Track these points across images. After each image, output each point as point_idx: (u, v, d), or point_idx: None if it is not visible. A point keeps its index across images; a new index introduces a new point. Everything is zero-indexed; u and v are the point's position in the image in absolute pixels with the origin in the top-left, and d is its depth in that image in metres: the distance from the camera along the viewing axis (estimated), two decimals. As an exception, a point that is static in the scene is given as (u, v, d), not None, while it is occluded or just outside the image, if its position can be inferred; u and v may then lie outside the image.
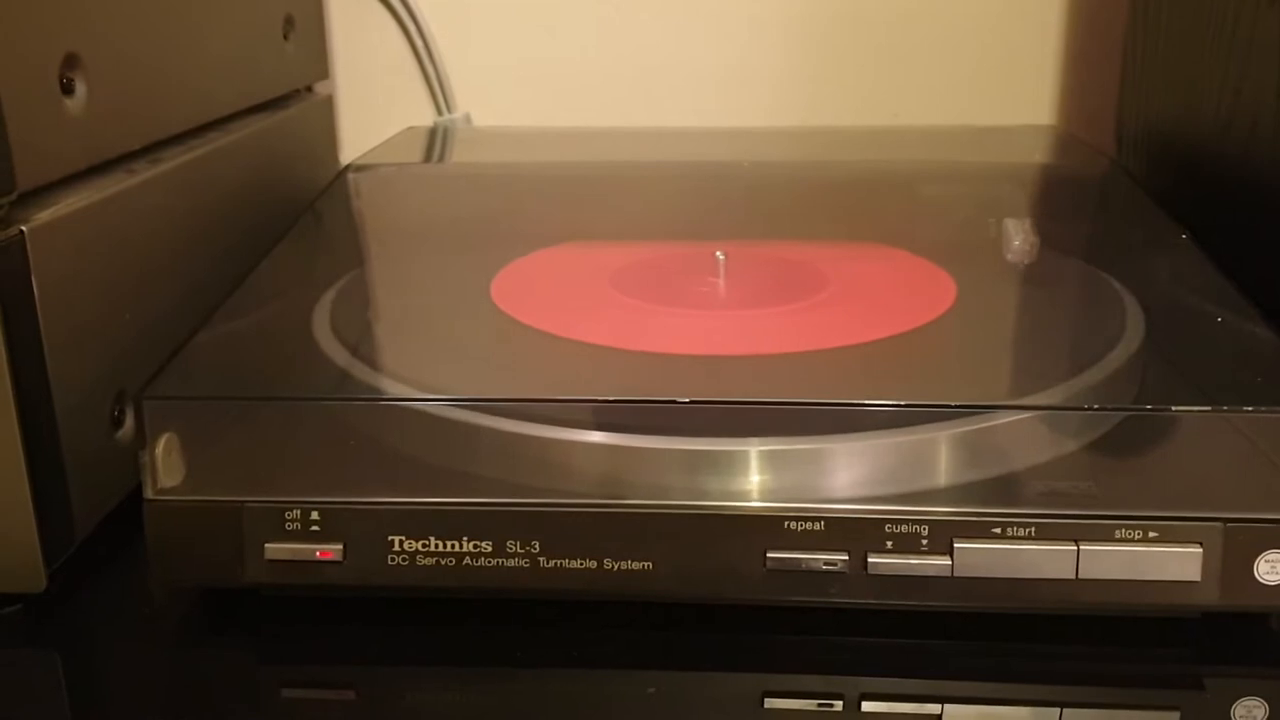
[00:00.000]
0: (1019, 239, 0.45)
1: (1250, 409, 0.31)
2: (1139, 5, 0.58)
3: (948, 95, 0.66)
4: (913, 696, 0.31)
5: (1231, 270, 0.40)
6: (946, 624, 0.33)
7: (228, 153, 0.47)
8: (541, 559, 0.31)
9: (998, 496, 0.31)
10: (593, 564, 0.31)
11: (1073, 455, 0.32)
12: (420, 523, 0.31)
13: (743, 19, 0.66)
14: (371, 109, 0.67)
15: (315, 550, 0.32)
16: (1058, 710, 0.30)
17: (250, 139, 0.50)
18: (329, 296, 0.41)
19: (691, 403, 0.32)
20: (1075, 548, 0.30)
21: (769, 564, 0.31)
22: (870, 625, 0.33)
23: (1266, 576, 0.30)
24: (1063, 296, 0.43)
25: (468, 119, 0.67)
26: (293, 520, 0.32)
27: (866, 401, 0.32)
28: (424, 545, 0.32)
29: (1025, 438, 0.32)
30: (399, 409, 0.34)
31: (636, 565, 0.31)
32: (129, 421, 0.38)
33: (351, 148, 0.64)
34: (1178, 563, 0.30)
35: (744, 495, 0.31)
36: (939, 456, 0.32)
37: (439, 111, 0.67)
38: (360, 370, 0.36)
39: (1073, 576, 0.31)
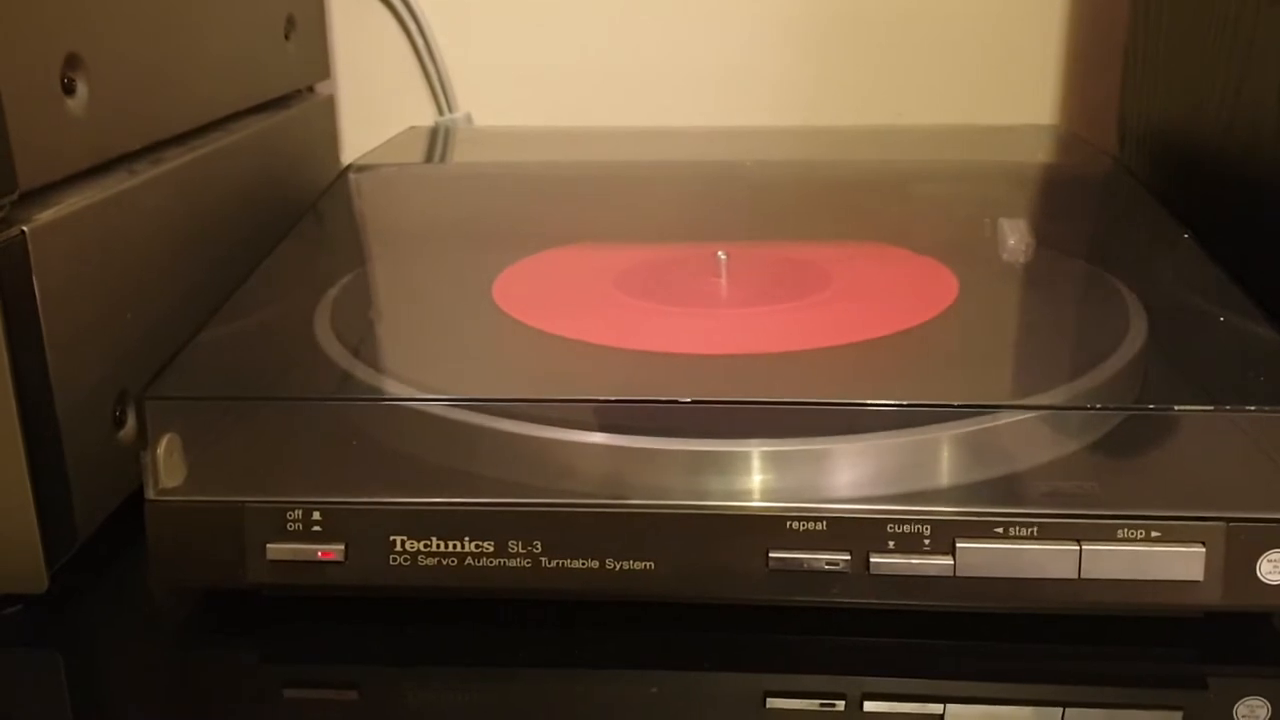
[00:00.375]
0: (1021, 239, 0.45)
1: (1253, 408, 0.31)
2: (1141, 5, 0.58)
3: (950, 95, 0.66)
4: (915, 696, 0.31)
5: (1234, 270, 0.40)
6: (949, 624, 0.33)
7: (229, 153, 0.47)
8: (543, 559, 0.31)
9: (1000, 496, 0.31)
10: (595, 564, 0.31)
11: (1075, 455, 0.32)
12: (422, 523, 0.31)
13: (745, 18, 0.66)
14: (373, 109, 0.67)
15: (317, 550, 0.32)
16: (1060, 710, 0.30)
17: (251, 139, 0.50)
18: (330, 296, 0.41)
19: (693, 403, 0.32)
20: (1078, 547, 0.30)
21: (771, 564, 0.31)
22: (872, 625, 0.33)
23: (1269, 576, 0.30)
24: (1065, 296, 0.43)
25: (469, 119, 0.67)
26: (294, 520, 0.32)
27: (869, 401, 0.32)
28: (426, 545, 0.31)
29: (1028, 437, 0.32)
30: (401, 409, 0.34)
31: (638, 565, 0.31)
32: (130, 422, 0.38)
33: (353, 148, 0.64)
34: (1180, 562, 0.30)
35: (746, 495, 0.31)
36: (941, 456, 0.32)
37: (440, 111, 0.67)
38: (362, 370, 0.36)
39: (1075, 576, 0.30)
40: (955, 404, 0.32)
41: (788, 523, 0.31)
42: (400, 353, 0.39)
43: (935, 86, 0.66)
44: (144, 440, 0.32)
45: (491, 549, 0.31)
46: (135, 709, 0.32)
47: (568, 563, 0.31)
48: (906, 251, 0.46)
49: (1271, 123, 0.44)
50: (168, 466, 0.32)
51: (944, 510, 0.31)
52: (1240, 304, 0.38)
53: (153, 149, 0.42)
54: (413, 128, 0.64)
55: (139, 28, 0.41)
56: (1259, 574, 0.30)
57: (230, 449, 0.33)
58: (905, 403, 0.32)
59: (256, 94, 0.52)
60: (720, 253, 0.43)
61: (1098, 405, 0.33)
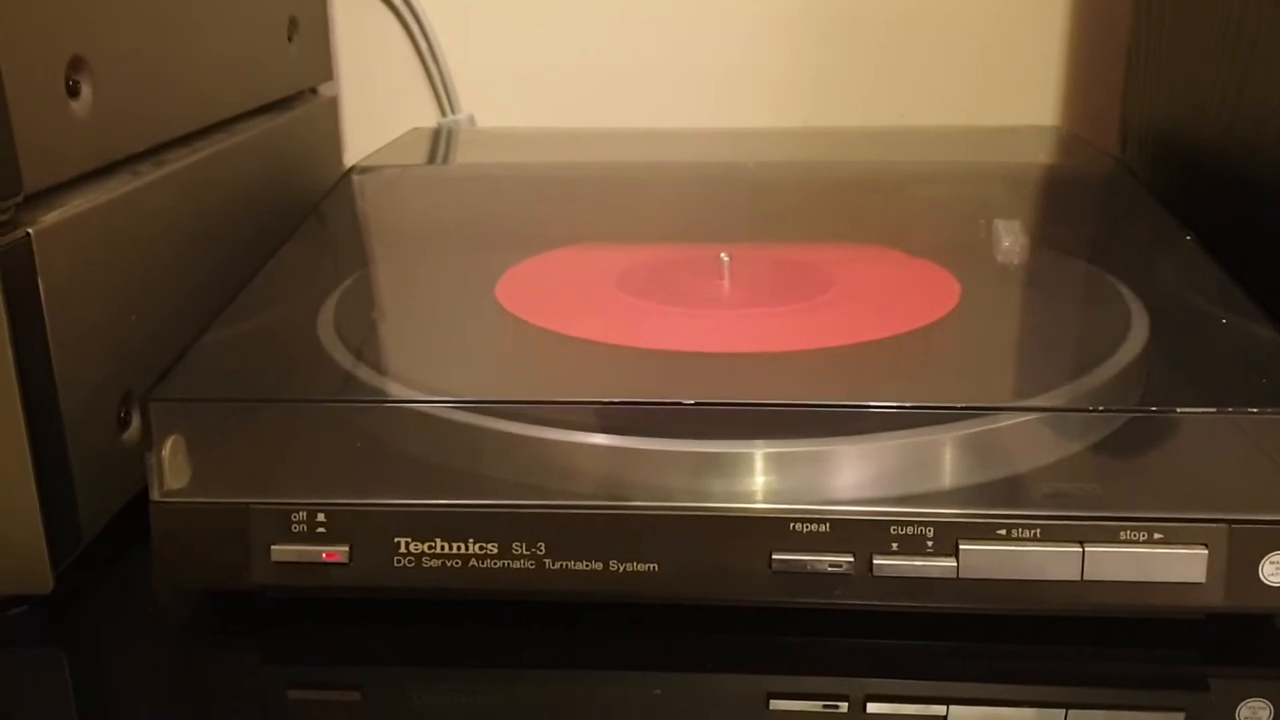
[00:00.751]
0: (1022, 240, 0.45)
1: (1255, 410, 0.31)
2: (1143, 6, 0.58)
3: (952, 96, 0.66)
4: (918, 698, 0.31)
5: (1235, 271, 0.40)
6: (952, 625, 0.33)
7: (232, 154, 0.48)
8: (547, 560, 0.31)
9: (1003, 498, 0.31)
10: (598, 565, 0.31)
11: (1077, 456, 0.32)
12: (426, 524, 0.31)
13: (745, 18, 0.66)
14: (376, 110, 0.67)
15: (321, 552, 0.32)
16: (1063, 711, 0.30)
17: (255, 141, 0.50)
18: (334, 298, 0.41)
19: (697, 404, 0.32)
20: (1080, 549, 0.30)
21: (774, 565, 0.31)
22: (875, 627, 0.33)
23: (1271, 578, 0.30)
24: (1067, 297, 0.43)
25: (472, 120, 0.67)
26: (299, 522, 0.32)
27: (872, 403, 0.32)
28: (430, 547, 0.32)
29: (1030, 439, 0.32)
30: (404, 411, 0.34)
31: (642, 567, 0.31)
32: (135, 423, 0.38)
33: (356, 149, 0.64)
34: (1183, 564, 0.30)
35: (749, 497, 0.31)
36: (944, 458, 0.32)
37: (443, 113, 0.67)
38: (365, 372, 0.36)
39: (1078, 578, 0.31)
40: (958, 405, 0.32)
41: (791, 524, 0.31)
42: (404, 354, 0.39)
43: (936, 87, 0.66)
44: (149, 441, 0.32)
45: (495, 550, 0.31)
46: (139, 709, 0.32)
47: (571, 564, 0.31)
48: (909, 253, 0.46)
49: (1274, 123, 0.44)
50: (172, 468, 0.32)
51: (947, 512, 0.31)
52: (1242, 305, 0.38)
53: (156, 151, 0.42)
54: (415, 129, 0.64)
55: (143, 30, 0.41)
56: (1261, 576, 0.30)
57: (235, 450, 0.33)
58: (908, 404, 0.32)
59: (259, 95, 0.52)
60: (723, 254, 0.43)
61: (1100, 407, 0.33)
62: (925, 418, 0.32)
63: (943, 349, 0.38)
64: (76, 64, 0.36)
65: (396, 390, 0.35)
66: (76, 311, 0.35)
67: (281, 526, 0.32)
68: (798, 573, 0.31)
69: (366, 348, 0.37)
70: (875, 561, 0.31)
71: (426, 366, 0.38)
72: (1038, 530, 0.30)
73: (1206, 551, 0.30)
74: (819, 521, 0.31)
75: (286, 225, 0.47)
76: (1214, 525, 0.30)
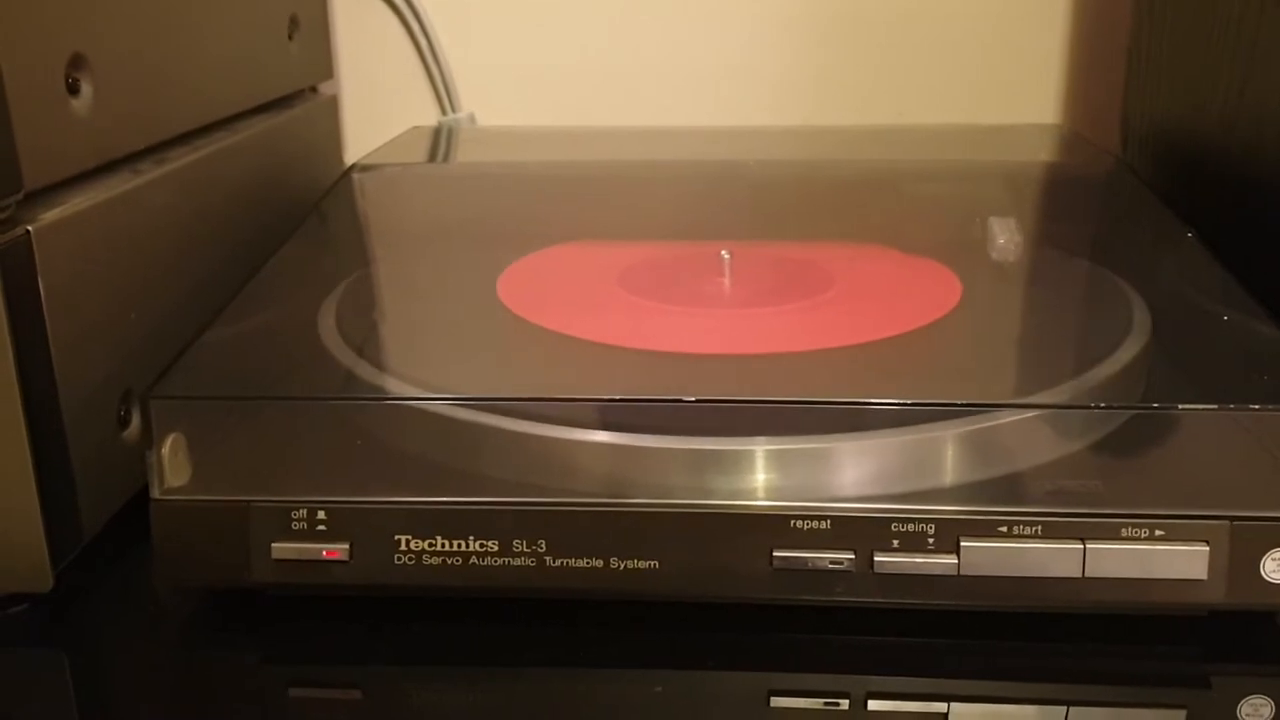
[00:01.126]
0: (1025, 238, 0.45)
1: (1256, 407, 0.31)
2: (1144, 4, 0.58)
3: (952, 94, 0.66)
4: (919, 695, 0.31)
5: (1237, 268, 0.40)
6: (953, 623, 0.33)
7: (233, 153, 0.48)
8: (548, 558, 0.31)
9: (1004, 495, 0.31)
10: (599, 563, 0.31)
11: (1079, 454, 0.32)
12: (427, 522, 0.31)
13: (746, 18, 0.66)
14: (376, 109, 0.67)
15: (322, 550, 0.32)
16: (1064, 709, 0.30)
17: (255, 139, 0.50)
18: (335, 296, 0.41)
19: (697, 401, 0.32)
20: (1081, 546, 0.30)
21: (775, 563, 0.31)
22: (876, 624, 0.33)
23: (1273, 575, 0.30)
24: (1068, 295, 0.43)
25: (472, 118, 0.67)
26: (299, 520, 0.32)
27: (873, 400, 0.32)
28: (430, 545, 0.32)
29: (1031, 436, 0.32)
30: (405, 408, 0.34)
31: (642, 564, 0.31)
32: (135, 421, 0.38)
33: (356, 148, 0.64)
34: (1184, 561, 0.30)
35: (750, 494, 0.31)
36: (945, 455, 0.32)
37: (443, 111, 0.67)
38: (366, 370, 0.36)
39: (1079, 575, 0.30)
40: (959, 403, 0.32)
41: (792, 522, 0.31)
42: (404, 352, 0.39)
43: (937, 86, 0.66)
44: (149, 439, 0.32)
45: (496, 548, 0.31)
46: (140, 708, 0.32)
47: (572, 562, 0.31)
48: (910, 252, 0.46)
49: (1275, 122, 0.44)
50: (173, 466, 0.32)
51: (948, 509, 0.31)
52: (1243, 303, 0.38)
53: (157, 149, 0.42)
54: (416, 127, 0.64)
55: (143, 28, 0.41)
56: (1263, 573, 0.30)
57: (235, 448, 0.33)
58: (909, 401, 0.32)
59: (260, 94, 0.52)
60: (724, 252, 0.43)
61: (1101, 404, 0.33)
62: (926, 415, 0.32)
63: (944, 346, 0.38)
64: (77, 62, 0.36)
65: (397, 388, 0.35)
66: (77, 309, 0.35)
67: (282, 524, 0.32)
68: (799, 570, 0.31)
69: (367, 345, 0.37)
70: (876, 559, 0.31)
71: (427, 364, 0.38)
72: (1039, 527, 0.30)
73: (1208, 548, 0.30)
74: (820, 519, 0.31)
75: (287, 223, 0.47)
76: (1215, 522, 0.30)
